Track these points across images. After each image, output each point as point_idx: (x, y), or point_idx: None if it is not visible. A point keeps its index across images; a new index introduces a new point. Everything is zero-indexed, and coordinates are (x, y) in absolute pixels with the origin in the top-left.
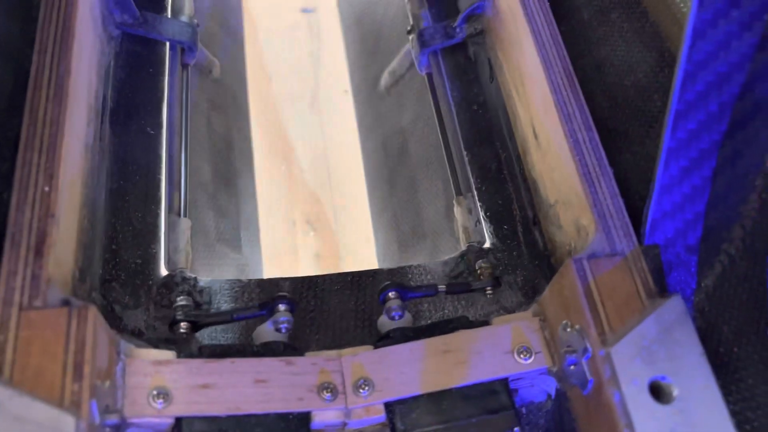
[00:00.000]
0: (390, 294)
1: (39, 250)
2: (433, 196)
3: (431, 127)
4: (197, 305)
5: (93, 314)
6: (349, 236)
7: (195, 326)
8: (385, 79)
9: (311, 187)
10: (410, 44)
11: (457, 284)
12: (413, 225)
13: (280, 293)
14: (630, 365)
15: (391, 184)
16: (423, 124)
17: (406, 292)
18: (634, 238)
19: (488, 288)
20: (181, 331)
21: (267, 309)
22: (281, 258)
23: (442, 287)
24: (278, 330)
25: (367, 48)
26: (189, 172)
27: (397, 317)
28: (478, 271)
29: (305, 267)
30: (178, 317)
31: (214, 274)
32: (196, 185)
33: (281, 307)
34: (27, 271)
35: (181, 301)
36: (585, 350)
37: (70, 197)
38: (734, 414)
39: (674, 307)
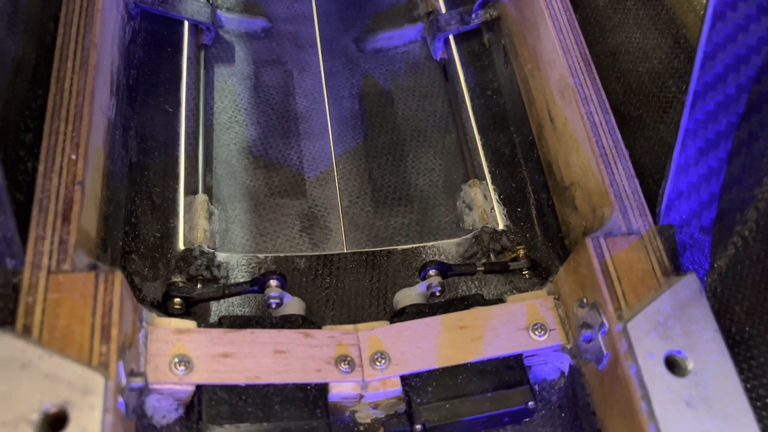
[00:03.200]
0: (431, 271)
1: (66, 215)
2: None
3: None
4: (214, 279)
5: (119, 279)
6: None
7: (188, 302)
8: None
9: None
10: (424, 29)
11: (496, 263)
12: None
13: (270, 270)
14: (646, 339)
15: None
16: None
17: (446, 269)
18: (650, 218)
19: (525, 269)
20: (176, 307)
21: (258, 285)
22: None
23: (480, 267)
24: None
25: None
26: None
27: (437, 292)
28: (513, 254)
29: None
30: (172, 293)
31: None
32: None
33: (273, 282)
34: (55, 236)
35: (175, 277)
36: (601, 325)
37: (94, 167)
38: (746, 391)
39: (689, 284)
